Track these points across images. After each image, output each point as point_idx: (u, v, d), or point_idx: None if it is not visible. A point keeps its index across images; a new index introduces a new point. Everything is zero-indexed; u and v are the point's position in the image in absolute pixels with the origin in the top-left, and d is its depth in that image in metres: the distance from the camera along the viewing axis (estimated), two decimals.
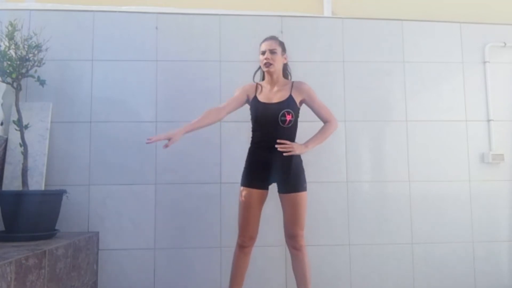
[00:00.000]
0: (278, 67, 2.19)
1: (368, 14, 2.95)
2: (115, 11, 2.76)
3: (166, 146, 2.00)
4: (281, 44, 2.24)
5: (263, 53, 2.17)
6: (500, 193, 2.82)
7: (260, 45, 2.23)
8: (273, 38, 2.23)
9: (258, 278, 2.54)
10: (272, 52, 2.16)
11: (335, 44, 2.83)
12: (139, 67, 2.70)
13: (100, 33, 2.71)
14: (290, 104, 2.13)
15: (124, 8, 2.80)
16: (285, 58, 2.26)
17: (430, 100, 2.85)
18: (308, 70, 2.78)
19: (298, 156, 2.16)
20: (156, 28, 2.74)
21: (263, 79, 2.28)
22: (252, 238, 2.15)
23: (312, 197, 2.66)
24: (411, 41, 2.88)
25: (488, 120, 2.86)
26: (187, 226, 2.60)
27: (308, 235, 2.64)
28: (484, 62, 2.90)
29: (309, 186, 2.68)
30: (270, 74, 2.19)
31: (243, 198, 2.13)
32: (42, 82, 2.38)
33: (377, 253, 2.69)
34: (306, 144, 2.15)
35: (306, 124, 2.70)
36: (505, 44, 2.92)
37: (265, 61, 2.15)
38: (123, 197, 2.59)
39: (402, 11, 3.04)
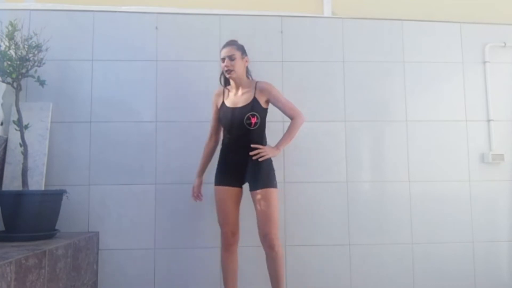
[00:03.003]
0: (239, 71, 2.27)
1: (368, 14, 2.95)
2: (115, 11, 2.76)
3: (199, 198, 2.43)
4: (240, 48, 2.30)
5: (223, 60, 2.26)
6: (500, 193, 2.82)
7: (220, 51, 2.31)
8: (231, 44, 2.30)
9: (257, 278, 2.53)
10: (231, 58, 2.24)
11: (335, 44, 2.83)
12: (139, 67, 2.70)
13: (100, 33, 2.71)
14: (254, 107, 2.22)
15: (124, 8, 2.80)
16: (246, 61, 2.32)
17: (430, 100, 2.84)
18: (308, 70, 2.79)
19: None
20: (156, 28, 2.74)
21: (227, 82, 2.37)
22: (234, 234, 2.23)
23: (312, 197, 2.67)
24: (411, 41, 2.88)
25: (488, 120, 2.86)
26: (187, 226, 2.60)
27: (308, 235, 2.66)
28: (484, 62, 2.90)
29: (309, 186, 2.69)
30: (233, 79, 2.29)
31: (218, 196, 2.26)
32: (42, 82, 2.38)
33: (377, 253, 2.69)
34: (277, 146, 2.25)
35: (309, 124, 2.72)
36: (505, 44, 2.92)
37: (225, 68, 2.25)
38: (123, 197, 2.59)
39: (402, 11, 3.04)
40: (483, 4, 3.13)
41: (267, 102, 2.29)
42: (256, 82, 2.30)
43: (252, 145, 2.20)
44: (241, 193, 2.29)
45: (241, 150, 2.23)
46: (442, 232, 2.74)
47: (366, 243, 2.69)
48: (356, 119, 2.78)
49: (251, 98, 2.25)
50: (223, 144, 2.34)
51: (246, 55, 2.33)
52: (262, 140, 2.29)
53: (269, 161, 2.26)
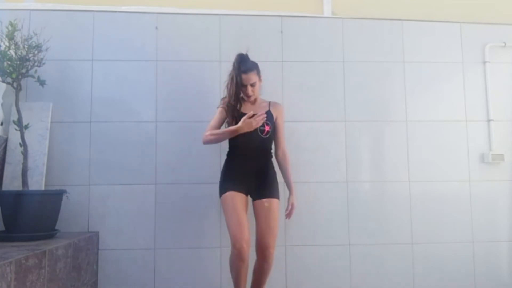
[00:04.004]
0: (257, 93, 2.33)
1: (368, 14, 2.95)
2: (115, 11, 2.76)
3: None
4: (258, 71, 2.30)
5: (244, 85, 2.25)
6: (500, 193, 2.82)
7: (239, 73, 2.23)
8: (251, 69, 2.25)
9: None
10: (253, 85, 2.27)
11: (335, 44, 2.83)
12: (139, 67, 2.70)
13: (100, 33, 2.71)
14: (268, 117, 2.28)
15: (124, 8, 2.80)
16: (261, 80, 2.36)
17: (430, 100, 2.84)
18: (308, 70, 2.79)
19: (273, 167, 2.34)
20: (156, 28, 2.74)
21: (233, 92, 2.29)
22: (248, 242, 2.08)
23: (312, 197, 2.67)
24: (411, 41, 2.88)
25: (488, 120, 2.86)
26: (187, 226, 2.60)
27: (308, 235, 2.66)
28: (484, 62, 2.90)
29: (309, 186, 2.70)
30: (251, 100, 2.33)
31: (230, 202, 2.16)
32: (42, 82, 2.38)
33: (377, 253, 2.69)
34: (292, 194, 2.36)
35: (309, 124, 2.73)
36: (505, 44, 2.92)
37: (247, 94, 2.27)
38: (123, 197, 2.59)
39: (402, 11, 3.03)
40: (483, 4, 3.13)
41: (276, 120, 2.36)
42: (269, 101, 2.41)
43: (286, 213, 2.35)
44: (247, 202, 2.26)
45: (249, 158, 2.26)
46: (442, 232, 2.74)
47: (366, 243, 2.69)
48: (356, 119, 2.78)
49: (267, 109, 2.34)
50: (230, 152, 2.34)
51: (260, 72, 2.33)
52: (270, 152, 2.35)
53: (273, 173, 2.32)
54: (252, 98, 2.32)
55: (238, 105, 2.29)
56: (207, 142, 2.30)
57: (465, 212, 2.77)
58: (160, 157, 2.64)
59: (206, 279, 2.58)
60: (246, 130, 2.17)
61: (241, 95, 2.31)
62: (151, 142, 2.64)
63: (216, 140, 2.30)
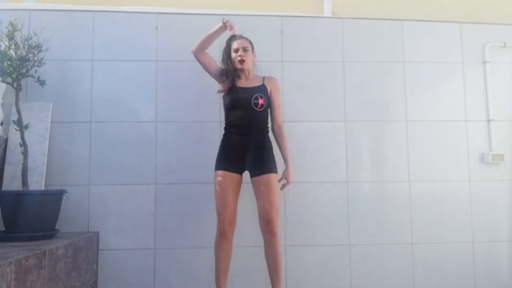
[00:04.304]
0: (249, 63, 2.37)
1: (368, 14, 2.95)
2: (115, 11, 2.76)
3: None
4: (251, 43, 2.41)
5: (236, 50, 2.33)
6: (500, 193, 2.82)
7: (231, 42, 2.38)
8: (243, 37, 2.40)
9: (257, 278, 2.53)
10: (245, 49, 2.34)
11: (335, 44, 2.83)
12: (139, 67, 2.70)
13: (100, 33, 2.71)
14: (262, 90, 2.33)
15: (124, 8, 2.80)
16: (254, 55, 2.43)
17: (430, 100, 2.84)
18: (308, 70, 2.79)
19: (269, 142, 2.34)
20: (156, 28, 2.74)
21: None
22: (231, 223, 2.21)
23: (312, 197, 2.68)
24: (411, 41, 2.88)
25: (488, 120, 2.85)
26: (187, 226, 2.60)
27: (308, 235, 2.66)
28: (484, 62, 2.90)
29: (309, 186, 2.69)
30: (243, 70, 2.35)
31: (218, 182, 2.23)
32: (42, 82, 2.38)
33: (377, 253, 2.69)
34: (289, 167, 2.35)
35: (309, 124, 2.73)
36: (505, 44, 2.92)
37: (239, 58, 2.32)
38: (123, 197, 2.59)
39: (402, 11, 3.04)
40: (483, 4, 3.13)
41: (270, 93, 2.38)
42: (264, 76, 2.43)
43: (280, 182, 2.31)
44: (241, 181, 2.28)
45: (244, 133, 2.26)
46: (442, 232, 2.74)
47: (366, 243, 2.69)
48: (356, 119, 2.78)
49: (261, 83, 2.37)
50: (226, 128, 2.35)
51: (254, 48, 2.43)
52: (265, 126, 2.36)
53: (270, 147, 2.33)
54: (245, 66, 2.33)
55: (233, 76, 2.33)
56: (195, 47, 2.36)
57: (465, 212, 2.77)
58: (160, 157, 2.64)
59: (206, 279, 2.57)
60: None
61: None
62: (151, 142, 2.64)
63: (204, 41, 2.33)
